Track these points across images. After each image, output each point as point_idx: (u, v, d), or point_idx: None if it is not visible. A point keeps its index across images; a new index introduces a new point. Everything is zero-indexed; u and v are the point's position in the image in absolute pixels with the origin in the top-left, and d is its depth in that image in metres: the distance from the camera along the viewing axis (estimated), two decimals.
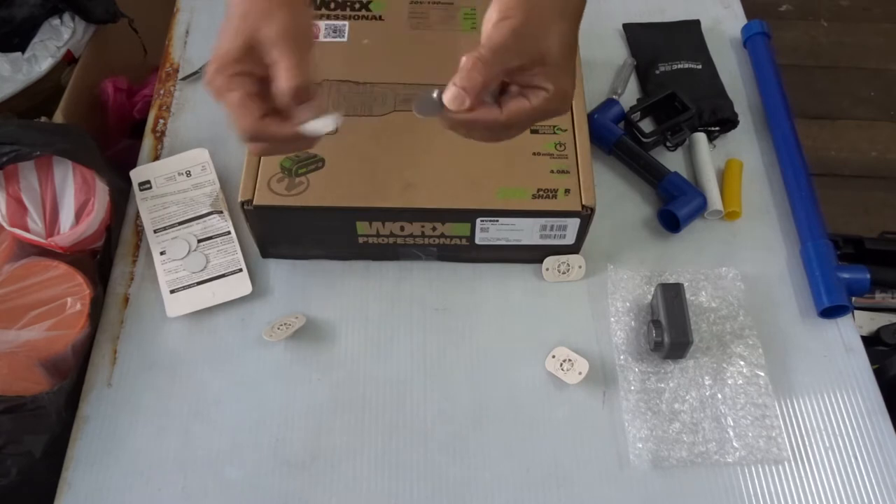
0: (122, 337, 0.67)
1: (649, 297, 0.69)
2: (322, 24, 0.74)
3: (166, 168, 0.75)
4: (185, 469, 0.61)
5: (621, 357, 0.66)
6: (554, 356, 0.66)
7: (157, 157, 0.78)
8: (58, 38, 0.85)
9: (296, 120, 0.49)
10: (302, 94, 0.48)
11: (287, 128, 0.49)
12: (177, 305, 0.68)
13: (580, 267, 0.71)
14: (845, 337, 0.69)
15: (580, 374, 0.64)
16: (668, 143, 0.78)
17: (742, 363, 0.66)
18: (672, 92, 0.79)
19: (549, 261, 0.70)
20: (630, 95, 0.84)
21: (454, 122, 0.49)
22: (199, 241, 0.71)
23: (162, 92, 0.83)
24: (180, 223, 0.71)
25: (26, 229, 0.67)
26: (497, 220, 0.65)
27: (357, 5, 0.76)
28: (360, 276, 0.71)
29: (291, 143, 0.51)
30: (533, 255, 0.70)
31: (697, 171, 0.77)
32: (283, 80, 0.47)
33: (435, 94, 0.48)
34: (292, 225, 0.67)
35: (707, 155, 0.78)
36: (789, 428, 0.64)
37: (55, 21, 0.86)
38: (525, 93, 0.49)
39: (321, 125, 0.49)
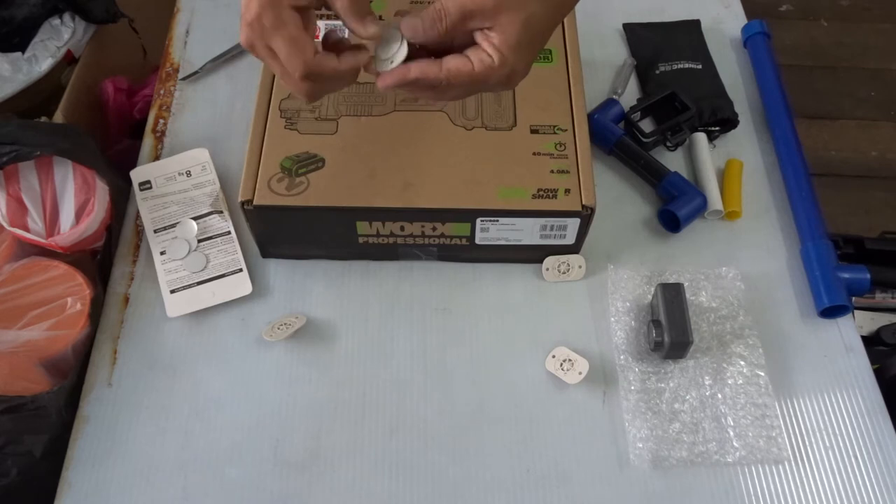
0: (122, 337, 0.67)
1: (649, 297, 0.69)
2: (322, 24, 0.74)
3: (166, 168, 0.75)
4: (185, 469, 0.61)
5: (621, 357, 0.66)
6: (554, 356, 0.66)
7: (157, 157, 0.78)
8: (58, 38, 0.85)
9: (367, 30, 0.49)
10: (364, 7, 0.48)
11: (344, 61, 0.49)
12: (177, 305, 0.68)
13: (580, 267, 0.71)
14: (845, 337, 0.69)
15: (580, 374, 0.64)
16: (668, 143, 0.78)
17: (742, 363, 0.66)
18: (672, 92, 0.79)
19: (549, 261, 0.70)
20: (630, 95, 0.84)
21: (397, 76, 0.50)
22: (200, 241, 0.71)
23: (162, 92, 0.83)
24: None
25: (26, 229, 0.67)
26: (497, 220, 0.65)
27: None
28: (360, 276, 0.71)
29: (347, 77, 0.51)
30: (533, 255, 0.70)
31: (697, 171, 0.77)
32: None
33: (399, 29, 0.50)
34: (292, 225, 0.67)
35: (707, 155, 0.78)
36: (789, 428, 0.64)
37: (55, 21, 0.86)
38: (469, 54, 0.49)
39: (392, 51, 0.50)
